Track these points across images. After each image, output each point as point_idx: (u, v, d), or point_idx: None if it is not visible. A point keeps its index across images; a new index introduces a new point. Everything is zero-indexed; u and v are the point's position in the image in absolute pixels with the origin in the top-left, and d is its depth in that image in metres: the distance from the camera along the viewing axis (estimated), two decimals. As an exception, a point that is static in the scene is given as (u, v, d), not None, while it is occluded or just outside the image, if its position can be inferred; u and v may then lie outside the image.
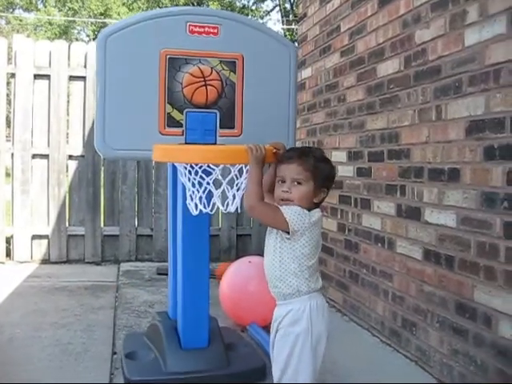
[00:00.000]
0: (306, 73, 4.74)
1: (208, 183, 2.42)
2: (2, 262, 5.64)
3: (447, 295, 2.80)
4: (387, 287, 3.37)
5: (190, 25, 2.84)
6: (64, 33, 29.14)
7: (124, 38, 2.79)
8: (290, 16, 29.57)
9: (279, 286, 2.11)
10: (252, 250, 5.89)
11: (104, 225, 5.91)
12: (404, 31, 3.24)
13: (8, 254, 5.72)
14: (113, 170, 5.88)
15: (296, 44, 4.66)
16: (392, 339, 3.31)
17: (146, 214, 5.97)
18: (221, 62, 2.89)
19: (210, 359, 2.88)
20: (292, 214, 2.04)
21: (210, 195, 2.48)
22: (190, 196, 2.46)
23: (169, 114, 2.85)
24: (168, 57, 2.82)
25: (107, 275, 5.13)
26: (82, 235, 5.80)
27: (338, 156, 4.11)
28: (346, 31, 4.00)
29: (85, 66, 5.80)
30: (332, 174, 2.21)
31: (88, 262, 5.76)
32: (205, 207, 2.46)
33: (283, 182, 2.12)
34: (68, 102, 5.88)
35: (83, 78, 5.81)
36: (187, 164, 2.45)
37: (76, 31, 31.63)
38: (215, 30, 2.87)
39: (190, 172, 2.42)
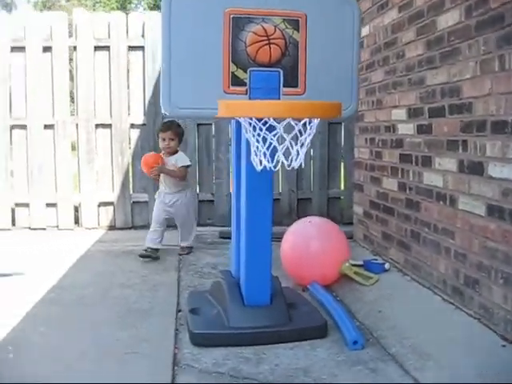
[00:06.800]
0: (364, 31, 4.62)
1: (272, 139, 2.45)
2: (71, 229, 5.87)
3: (511, 251, 2.74)
4: (449, 245, 3.32)
5: None
6: (122, 7, 29.46)
7: None
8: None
9: None
10: (313, 213, 5.86)
11: (166, 191, 6.02)
12: (465, -20, 3.13)
13: (76, 221, 5.95)
14: (173, 138, 5.96)
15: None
16: (454, 297, 3.27)
17: (206, 179, 6.06)
18: (284, 20, 2.89)
19: (271, 316, 2.93)
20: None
21: (273, 152, 2.52)
22: (255, 151, 2.51)
23: (233, 72, 2.88)
24: (232, 16, 2.84)
25: (170, 240, 5.22)
26: (146, 202, 5.96)
27: (397, 114, 4.03)
28: (404, -15, 3.89)
29: (143, 36, 5.88)
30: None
31: (152, 228, 5.90)
32: (269, 162, 2.49)
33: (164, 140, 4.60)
34: (128, 72, 5.99)
35: (142, 48, 5.90)
36: (251, 119, 2.47)
37: (133, 5, 31.93)
38: None
39: (254, 128, 2.45)
